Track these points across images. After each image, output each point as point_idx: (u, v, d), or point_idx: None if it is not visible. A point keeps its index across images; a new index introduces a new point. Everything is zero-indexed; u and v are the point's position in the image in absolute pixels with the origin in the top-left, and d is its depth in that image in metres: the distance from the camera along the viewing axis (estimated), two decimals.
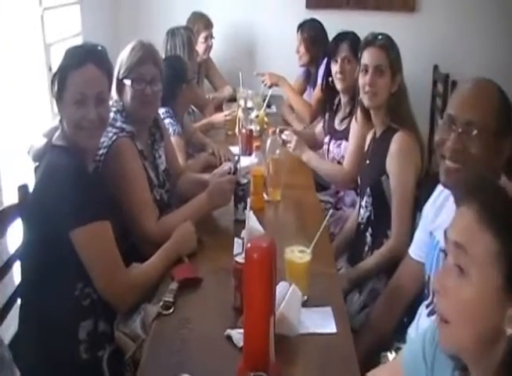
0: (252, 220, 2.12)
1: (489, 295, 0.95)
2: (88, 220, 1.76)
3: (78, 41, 3.67)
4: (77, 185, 1.78)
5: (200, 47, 4.11)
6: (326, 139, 3.18)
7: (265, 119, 3.64)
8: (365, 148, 2.57)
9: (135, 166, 2.16)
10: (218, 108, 4.06)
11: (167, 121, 2.91)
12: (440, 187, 1.82)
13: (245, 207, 2.23)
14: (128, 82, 2.22)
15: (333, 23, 3.87)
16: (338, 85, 3.02)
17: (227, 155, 3.09)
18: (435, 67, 4.61)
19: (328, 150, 3.16)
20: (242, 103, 3.70)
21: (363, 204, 2.45)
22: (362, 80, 2.40)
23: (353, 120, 2.81)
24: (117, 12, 4.71)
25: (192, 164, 2.96)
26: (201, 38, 4.12)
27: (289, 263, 1.81)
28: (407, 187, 2.25)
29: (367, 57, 2.39)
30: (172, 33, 3.60)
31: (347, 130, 2.95)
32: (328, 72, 3.11)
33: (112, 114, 2.17)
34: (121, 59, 2.24)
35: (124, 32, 4.50)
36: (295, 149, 2.95)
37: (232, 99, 4.12)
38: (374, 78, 2.36)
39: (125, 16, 4.76)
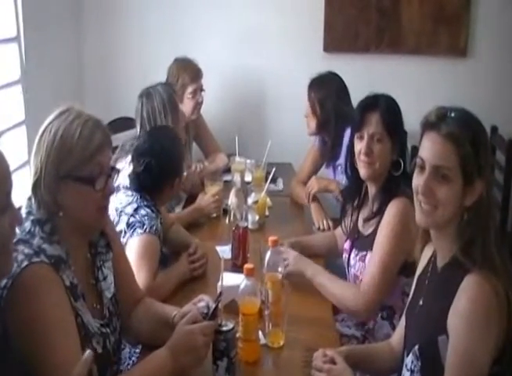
0: None
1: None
2: None
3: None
4: None
5: (187, 105, 3.37)
6: (346, 246, 2.42)
7: (268, 202, 2.90)
8: (418, 272, 1.84)
9: (54, 310, 1.54)
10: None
11: (142, 211, 2.27)
12: None
13: (228, 368, 1.73)
14: (80, 180, 1.62)
15: (358, 71, 3.58)
16: (362, 170, 2.29)
17: (205, 260, 2.38)
18: (493, 129, 3.90)
19: (348, 262, 2.37)
20: (237, 179, 2.92)
21: (408, 364, 1.72)
22: (416, 180, 1.69)
23: (390, 215, 2.15)
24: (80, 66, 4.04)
25: (162, 282, 2.22)
26: (188, 94, 3.37)
27: None
28: (474, 362, 1.56)
29: (425, 148, 1.67)
30: (148, 95, 2.88)
31: (374, 235, 2.22)
32: (352, 150, 2.33)
33: (27, 225, 1.59)
34: (62, 146, 1.58)
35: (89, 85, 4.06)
36: (295, 265, 2.26)
37: (227, 170, 3.41)
38: (431, 184, 1.64)
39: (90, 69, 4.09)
